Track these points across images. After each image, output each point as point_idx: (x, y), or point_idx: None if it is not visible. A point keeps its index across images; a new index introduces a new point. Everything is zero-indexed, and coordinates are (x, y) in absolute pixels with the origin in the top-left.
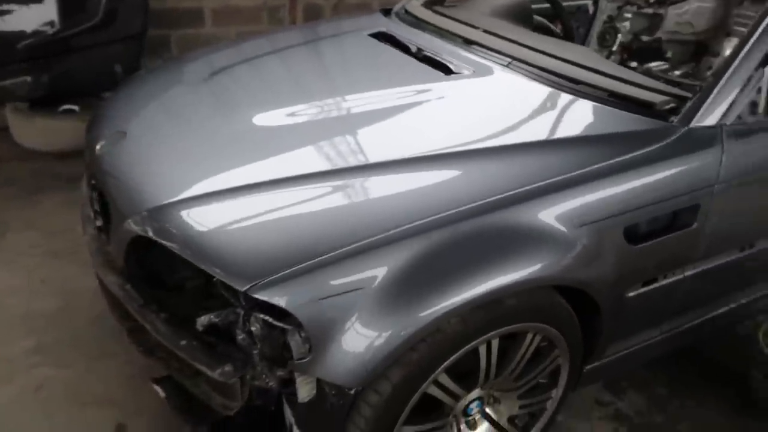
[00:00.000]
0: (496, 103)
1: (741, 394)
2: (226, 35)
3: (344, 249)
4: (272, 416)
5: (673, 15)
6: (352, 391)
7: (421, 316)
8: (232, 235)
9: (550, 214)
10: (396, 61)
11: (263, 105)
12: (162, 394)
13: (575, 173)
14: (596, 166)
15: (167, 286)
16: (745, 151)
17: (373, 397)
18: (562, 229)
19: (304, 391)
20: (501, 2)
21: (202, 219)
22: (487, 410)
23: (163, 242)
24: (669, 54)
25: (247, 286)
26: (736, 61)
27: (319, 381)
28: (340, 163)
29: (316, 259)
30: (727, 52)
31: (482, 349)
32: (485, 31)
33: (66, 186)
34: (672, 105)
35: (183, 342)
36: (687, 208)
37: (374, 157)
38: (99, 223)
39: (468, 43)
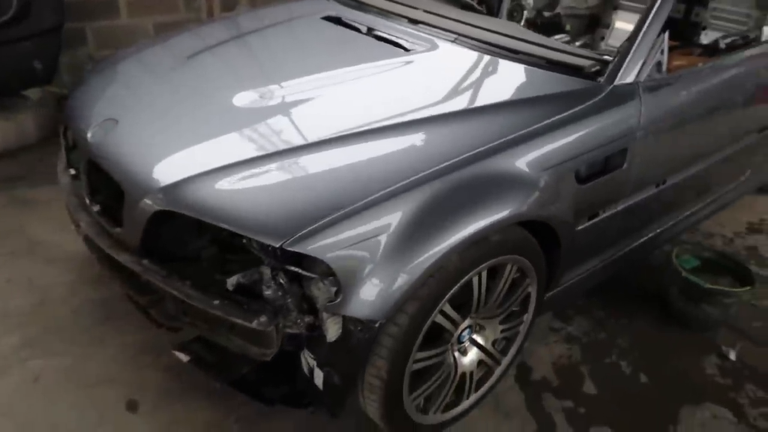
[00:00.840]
0: (454, 74)
1: (662, 308)
2: (142, 26)
3: (361, 202)
4: (286, 366)
5: None
6: (377, 325)
7: (431, 254)
8: (259, 200)
9: (520, 162)
10: (356, 41)
11: (245, 86)
12: (185, 358)
13: (534, 127)
14: (549, 120)
15: (177, 258)
16: (656, 103)
17: (393, 329)
18: (530, 174)
19: (333, 331)
20: None
21: (226, 188)
22: (475, 337)
23: (191, 213)
24: (568, 27)
25: (282, 242)
26: (644, 28)
27: (345, 320)
28: (340, 130)
29: (338, 213)
30: (617, 23)
31: (475, 281)
32: (426, 11)
33: (4, 185)
34: (597, 68)
35: (216, 302)
36: (618, 152)
37: (368, 124)
38: (96, 208)
39: (413, 22)
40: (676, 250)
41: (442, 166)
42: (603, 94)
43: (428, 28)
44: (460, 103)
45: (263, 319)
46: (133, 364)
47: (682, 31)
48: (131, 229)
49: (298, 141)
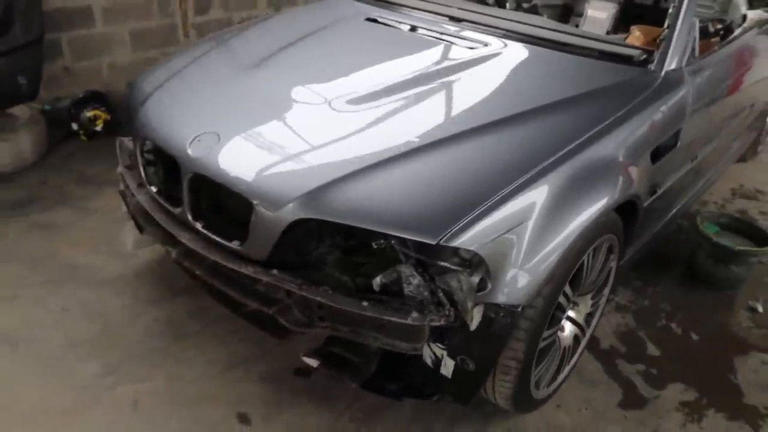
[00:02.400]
0: (530, 69)
1: (685, 273)
2: (118, 34)
3: (502, 193)
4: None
5: None
6: (519, 309)
7: (566, 236)
8: (404, 200)
9: (614, 148)
10: (420, 41)
11: (335, 90)
12: (315, 363)
13: (618, 115)
14: (627, 107)
15: (298, 265)
16: (697, 85)
17: (530, 311)
18: (623, 158)
19: (477, 319)
20: None
21: (368, 192)
22: (571, 314)
23: (337, 219)
24: (545, 16)
25: (438, 239)
26: (681, 16)
27: (486, 307)
28: (460, 128)
29: (483, 205)
30: (589, 12)
31: (585, 260)
32: (464, 9)
33: (16, 212)
34: (645, 56)
35: (365, 303)
36: (675, 132)
37: (481, 119)
38: (200, 224)
39: (456, 20)
40: (699, 218)
41: (561, 154)
42: (659, 80)
43: (474, 25)
44: (548, 95)
45: (415, 315)
46: (225, 378)
47: (652, 17)
48: (259, 241)
49: (422, 140)
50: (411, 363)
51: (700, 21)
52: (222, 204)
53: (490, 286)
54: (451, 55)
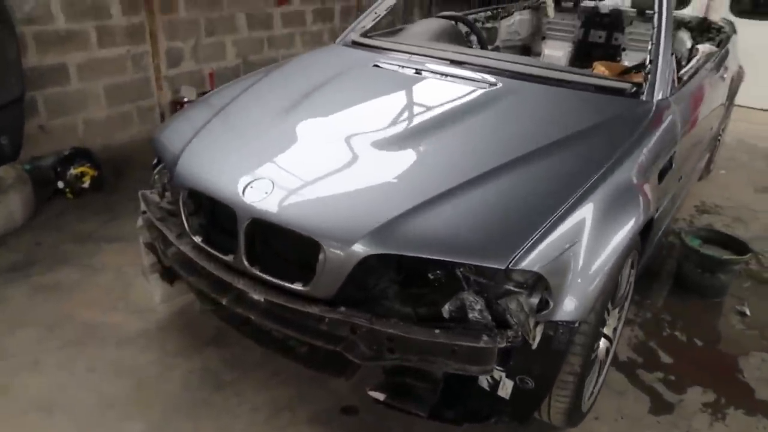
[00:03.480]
0: (541, 105)
1: (675, 284)
2: (93, 91)
3: (554, 216)
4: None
5: (504, 27)
6: (577, 324)
7: (611, 253)
8: (469, 230)
9: (635, 171)
10: (431, 84)
11: (372, 132)
12: (382, 397)
13: (631, 140)
14: (636, 134)
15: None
16: (681, 111)
17: (585, 327)
18: (640, 180)
19: (538, 338)
20: (437, 28)
21: (434, 224)
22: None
23: (411, 252)
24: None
25: (507, 264)
26: (661, 51)
27: (546, 326)
28: (503, 159)
29: (540, 230)
30: (546, 51)
31: (622, 273)
32: (460, 53)
33: (16, 275)
34: (634, 89)
35: (437, 331)
36: (671, 155)
37: (520, 151)
38: (256, 270)
39: (457, 63)
40: (683, 233)
41: (595, 178)
42: (654, 109)
43: (474, 66)
44: (567, 127)
45: (486, 338)
46: (273, 424)
47: (606, 53)
48: (326, 280)
49: (472, 172)
50: (467, 388)
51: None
52: (274, 247)
53: (552, 304)
54: (468, 94)
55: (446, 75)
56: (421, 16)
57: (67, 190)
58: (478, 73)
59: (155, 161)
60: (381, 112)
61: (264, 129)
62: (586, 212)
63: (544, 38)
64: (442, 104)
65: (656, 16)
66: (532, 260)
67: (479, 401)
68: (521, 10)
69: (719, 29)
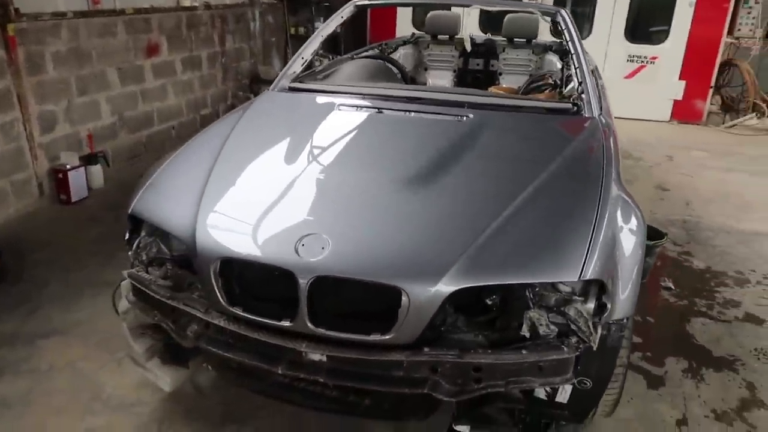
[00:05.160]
0: (520, 129)
1: None
2: None
3: (593, 225)
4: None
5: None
6: (626, 320)
7: (638, 249)
8: (536, 249)
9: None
10: (419, 121)
11: (386, 170)
12: (467, 429)
13: (604, 149)
14: (603, 143)
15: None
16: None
17: (629, 321)
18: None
19: (598, 339)
20: (372, 68)
21: (505, 252)
22: None
23: (493, 281)
24: None
25: (579, 276)
26: (586, 77)
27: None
28: (527, 183)
29: (590, 239)
30: (430, 80)
31: None
32: (414, 89)
33: None
34: (575, 108)
35: (524, 351)
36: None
37: (536, 171)
38: (321, 330)
39: (413, 100)
40: None
41: (604, 183)
42: (600, 124)
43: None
44: (556, 144)
45: (567, 348)
46: None
47: (485, 78)
48: (410, 325)
49: (506, 200)
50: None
51: (537, 77)
52: (332, 303)
53: (609, 306)
54: (453, 126)
55: (417, 111)
56: (280, 59)
57: None
58: (444, 107)
59: (128, 235)
60: (387, 152)
61: (282, 184)
62: (609, 219)
63: (426, 69)
64: (438, 139)
65: (570, 43)
66: (594, 269)
67: (540, 411)
68: (402, 45)
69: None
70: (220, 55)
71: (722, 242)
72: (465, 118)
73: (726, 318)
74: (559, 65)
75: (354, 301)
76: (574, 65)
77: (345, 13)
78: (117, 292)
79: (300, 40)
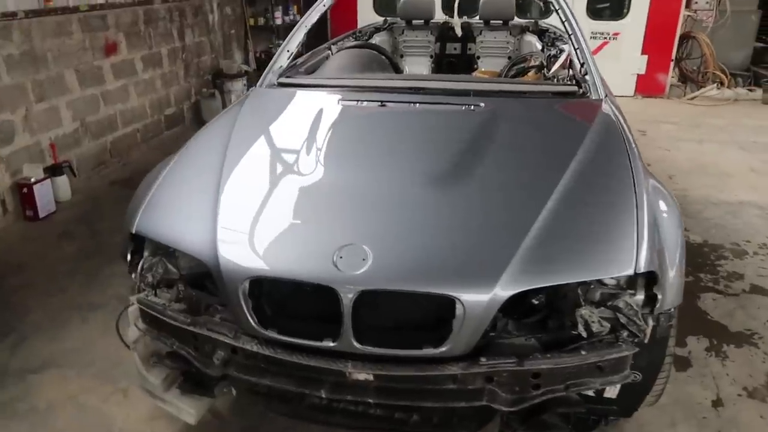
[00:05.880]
0: (537, 117)
1: None
2: None
3: (636, 220)
4: None
5: None
6: (673, 309)
7: (678, 234)
8: (586, 246)
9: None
10: (436, 112)
11: (414, 169)
12: None
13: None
14: (619, 123)
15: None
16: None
17: (675, 310)
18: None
19: (649, 331)
20: (361, 58)
21: (556, 248)
22: None
23: (546, 283)
24: None
25: (635, 269)
26: (588, 61)
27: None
28: (560, 176)
29: (636, 230)
30: (407, 68)
31: None
32: (418, 79)
33: None
34: (581, 91)
35: (584, 352)
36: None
37: (564, 167)
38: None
39: (416, 90)
40: None
41: (634, 179)
42: (611, 107)
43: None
44: (576, 130)
45: (625, 345)
46: None
47: (464, 63)
48: (465, 335)
49: (543, 197)
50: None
51: (518, 59)
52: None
53: (660, 297)
54: (470, 118)
55: (422, 102)
56: (240, 50)
57: None
58: (450, 97)
59: (130, 257)
60: (407, 149)
61: (303, 193)
62: (648, 209)
63: (402, 56)
64: (455, 131)
65: (566, 23)
66: (646, 260)
67: (589, 409)
68: (376, 32)
69: (547, 30)
70: (181, 50)
71: (712, 214)
72: (477, 107)
73: (734, 291)
74: (538, 46)
75: (398, 314)
76: (574, 46)
77: (327, 1)
78: (123, 319)
79: (260, 31)
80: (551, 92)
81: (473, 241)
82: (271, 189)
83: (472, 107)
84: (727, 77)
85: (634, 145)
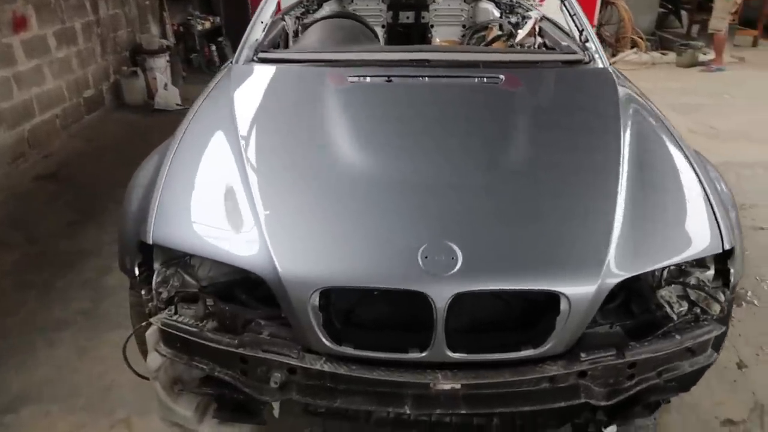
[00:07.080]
0: (559, 88)
1: None
2: None
3: (705, 196)
4: None
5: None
6: (736, 282)
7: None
8: (676, 230)
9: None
10: (462, 87)
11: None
12: (614, 429)
13: (646, 108)
14: (633, 92)
15: None
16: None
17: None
18: None
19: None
20: (345, 29)
21: (646, 232)
22: None
23: (650, 268)
24: None
25: (722, 248)
26: (585, 23)
27: None
28: (616, 144)
29: (711, 212)
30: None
31: None
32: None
33: None
34: (586, 59)
35: (677, 336)
36: None
37: (611, 145)
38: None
39: (422, 63)
40: None
41: (679, 148)
42: (617, 75)
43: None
44: (603, 99)
45: (710, 325)
46: None
47: (417, 32)
48: (569, 331)
49: (611, 177)
50: None
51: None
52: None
53: (733, 270)
54: (498, 93)
55: (432, 76)
56: (156, 23)
57: None
58: (459, 69)
59: (138, 270)
60: (449, 131)
61: (356, 187)
62: (703, 183)
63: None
64: (490, 109)
65: None
66: (728, 235)
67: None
68: (327, 0)
69: None
70: (95, 24)
71: None
72: (498, 78)
73: None
74: (496, 13)
75: (482, 315)
76: (569, 12)
77: None
78: (143, 342)
79: (176, 2)
80: (560, 61)
81: (562, 229)
82: (317, 184)
83: (494, 80)
84: (643, 41)
85: (661, 116)
